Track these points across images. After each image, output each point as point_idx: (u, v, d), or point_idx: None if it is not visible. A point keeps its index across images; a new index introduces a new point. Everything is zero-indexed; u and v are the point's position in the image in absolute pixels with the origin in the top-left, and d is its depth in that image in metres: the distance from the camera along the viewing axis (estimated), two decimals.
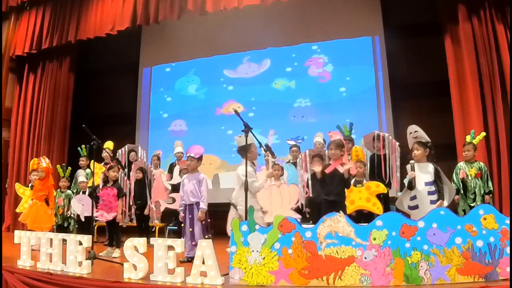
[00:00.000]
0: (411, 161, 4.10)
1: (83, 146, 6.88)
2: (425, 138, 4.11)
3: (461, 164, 5.12)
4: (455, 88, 6.07)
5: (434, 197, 3.93)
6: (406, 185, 4.13)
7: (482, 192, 4.88)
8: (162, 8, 7.03)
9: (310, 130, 7.32)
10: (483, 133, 5.27)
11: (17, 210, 6.37)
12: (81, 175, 6.69)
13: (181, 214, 4.58)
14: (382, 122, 7.42)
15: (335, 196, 4.25)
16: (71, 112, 8.81)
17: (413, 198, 4.03)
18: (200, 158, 4.63)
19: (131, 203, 6.23)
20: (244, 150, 4.28)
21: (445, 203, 3.90)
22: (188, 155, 4.63)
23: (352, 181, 4.77)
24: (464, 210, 4.87)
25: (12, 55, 8.63)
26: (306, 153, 5.24)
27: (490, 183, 4.96)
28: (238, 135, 4.52)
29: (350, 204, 4.37)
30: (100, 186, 5.42)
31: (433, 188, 3.96)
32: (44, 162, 5.85)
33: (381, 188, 4.37)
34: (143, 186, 6.33)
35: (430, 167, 4.01)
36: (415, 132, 4.17)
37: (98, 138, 4.64)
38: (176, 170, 6.43)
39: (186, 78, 8.95)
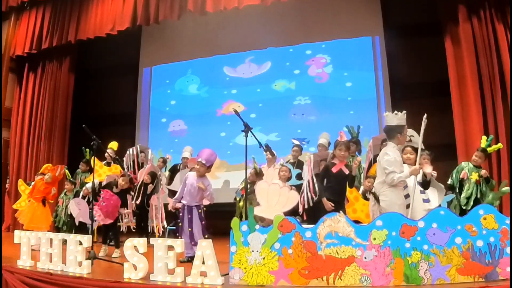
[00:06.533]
0: None
1: (87, 150, 6.81)
2: (419, 144, 4.03)
3: (465, 165, 4.90)
4: (455, 88, 6.08)
5: (426, 196, 3.92)
6: None
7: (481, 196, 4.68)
8: (162, 8, 7.03)
9: (310, 128, 7.33)
10: (500, 145, 4.99)
11: (14, 206, 6.39)
12: (89, 183, 6.60)
13: (178, 205, 4.55)
14: (382, 122, 7.41)
15: (339, 196, 4.28)
16: (71, 112, 8.82)
17: (405, 197, 3.97)
18: (210, 167, 4.49)
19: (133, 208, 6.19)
20: (392, 130, 3.59)
21: (434, 205, 3.87)
22: (198, 160, 4.46)
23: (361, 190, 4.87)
24: (455, 208, 4.74)
25: (12, 55, 8.64)
26: (311, 158, 5.18)
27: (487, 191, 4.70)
28: (386, 113, 3.77)
29: (352, 212, 4.40)
30: (103, 183, 5.39)
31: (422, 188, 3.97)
32: (59, 172, 5.95)
33: None
34: (146, 189, 6.30)
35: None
36: (411, 136, 4.12)
37: (98, 138, 4.64)
38: (178, 176, 6.31)
39: (186, 78, 8.95)
